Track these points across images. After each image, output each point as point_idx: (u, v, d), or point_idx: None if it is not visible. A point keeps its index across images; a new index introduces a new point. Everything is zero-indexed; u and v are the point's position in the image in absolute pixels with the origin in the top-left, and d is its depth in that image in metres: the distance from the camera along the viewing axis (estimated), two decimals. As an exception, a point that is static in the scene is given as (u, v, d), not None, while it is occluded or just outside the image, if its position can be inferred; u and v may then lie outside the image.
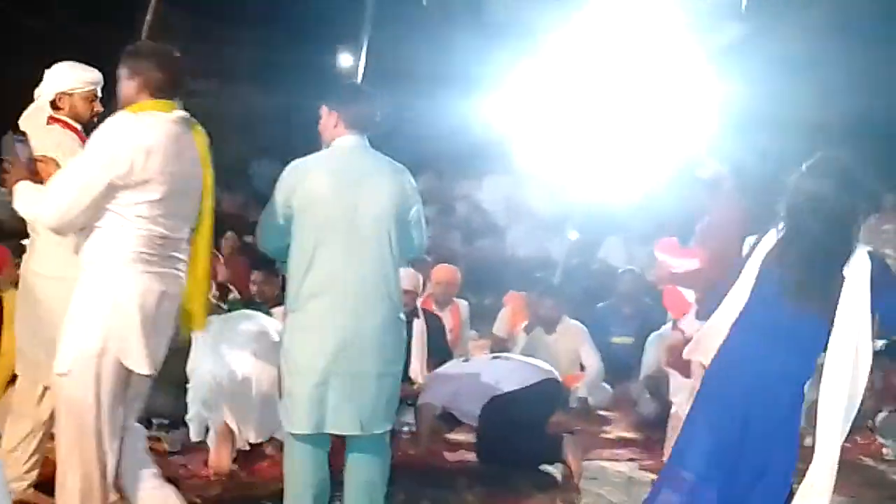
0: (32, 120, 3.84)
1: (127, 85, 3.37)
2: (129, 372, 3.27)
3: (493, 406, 5.21)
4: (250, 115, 12.46)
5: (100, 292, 3.23)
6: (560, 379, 5.67)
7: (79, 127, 3.85)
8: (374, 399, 3.58)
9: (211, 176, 3.42)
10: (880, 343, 6.89)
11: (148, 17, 5.95)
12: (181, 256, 3.37)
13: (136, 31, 6.97)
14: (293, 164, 3.67)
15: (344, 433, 3.58)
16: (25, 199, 3.34)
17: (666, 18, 8.49)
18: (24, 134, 3.76)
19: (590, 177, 8.96)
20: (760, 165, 5.77)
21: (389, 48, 8.83)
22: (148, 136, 3.21)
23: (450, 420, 5.54)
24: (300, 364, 3.54)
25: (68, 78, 3.89)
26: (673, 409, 5.41)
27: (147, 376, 3.35)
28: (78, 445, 3.24)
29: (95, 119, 3.83)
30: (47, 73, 3.94)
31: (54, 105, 3.86)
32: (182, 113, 3.37)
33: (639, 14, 8.73)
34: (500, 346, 6.88)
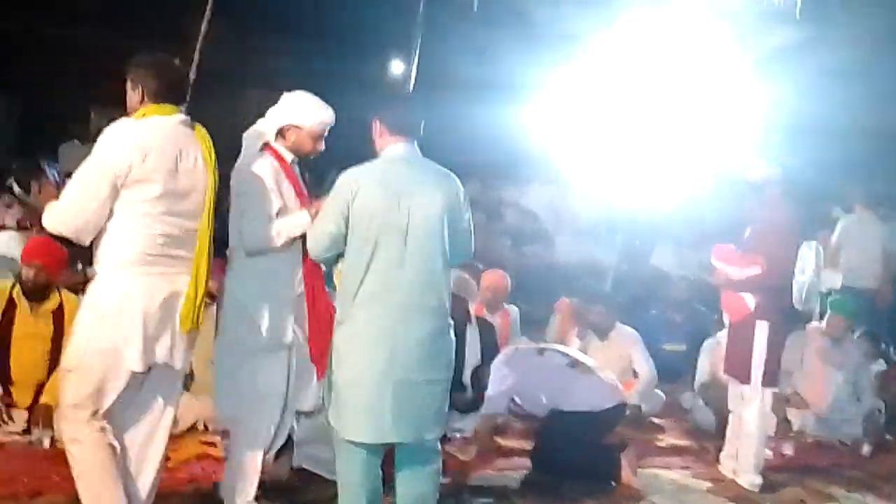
0: (250, 139, 4.00)
1: (131, 95, 3.56)
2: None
3: (559, 419, 5.19)
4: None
5: (106, 293, 3.42)
6: (627, 402, 5.64)
7: (290, 159, 3.98)
8: (426, 406, 3.60)
9: (214, 176, 3.54)
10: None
11: (203, 28, 6.03)
12: (189, 255, 3.50)
13: (189, 43, 7.08)
14: (347, 173, 3.70)
15: (400, 441, 3.59)
16: (48, 213, 3.47)
17: (717, 22, 8.42)
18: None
19: (637, 182, 8.90)
20: (810, 171, 5.71)
21: (439, 56, 8.86)
22: (146, 138, 3.40)
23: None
24: (355, 373, 3.57)
25: (304, 113, 3.97)
26: (732, 417, 5.37)
27: (166, 371, 3.53)
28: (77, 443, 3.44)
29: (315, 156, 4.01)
30: (285, 97, 4.02)
31: (281, 133, 3.97)
32: (183, 116, 3.54)
33: (687, 18, 8.68)
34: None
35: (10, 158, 8.96)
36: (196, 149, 3.51)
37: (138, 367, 3.44)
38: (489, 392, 5.44)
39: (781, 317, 5.14)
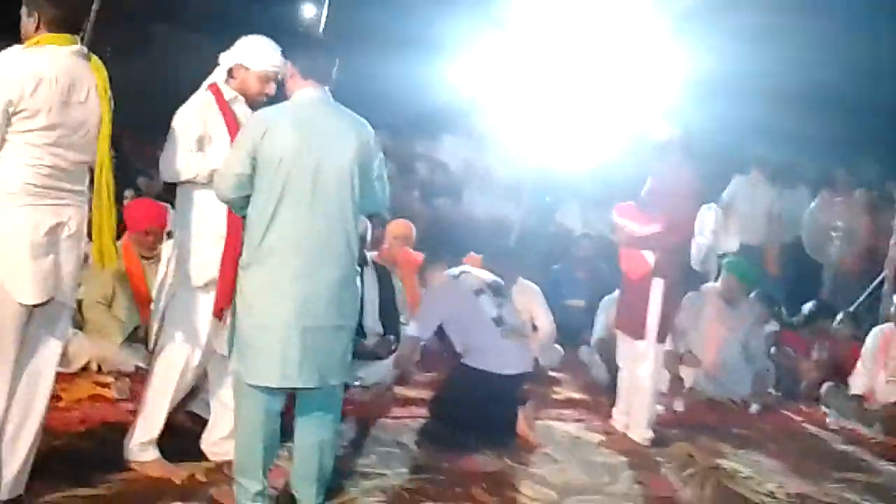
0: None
1: (25, 22, 3.44)
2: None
3: (465, 373, 5.22)
4: (206, 65, 12.27)
5: None
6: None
7: (231, 96, 4.00)
8: (332, 352, 3.59)
9: (109, 108, 3.46)
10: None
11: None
12: (78, 188, 3.43)
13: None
14: (256, 114, 3.67)
15: (305, 386, 3.57)
16: None
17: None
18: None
19: (548, 140, 8.97)
20: (717, 133, 5.84)
21: (351, 4, 8.72)
22: (39, 66, 3.28)
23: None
24: (262, 318, 3.53)
25: (251, 54, 4.00)
26: (621, 373, 5.50)
27: (52, 305, 3.41)
28: None
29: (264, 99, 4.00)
30: (240, 40, 4.06)
31: (230, 74, 4.01)
32: (78, 46, 3.42)
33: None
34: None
35: None
36: (91, 81, 3.40)
37: (29, 299, 3.33)
38: (420, 313, 5.50)
39: (679, 276, 5.26)
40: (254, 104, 4.02)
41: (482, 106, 9.80)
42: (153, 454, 3.98)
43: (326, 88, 3.68)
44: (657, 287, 5.12)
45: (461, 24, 9.42)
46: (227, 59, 4.05)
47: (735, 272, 6.72)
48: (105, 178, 3.44)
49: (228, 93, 4.02)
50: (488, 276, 5.57)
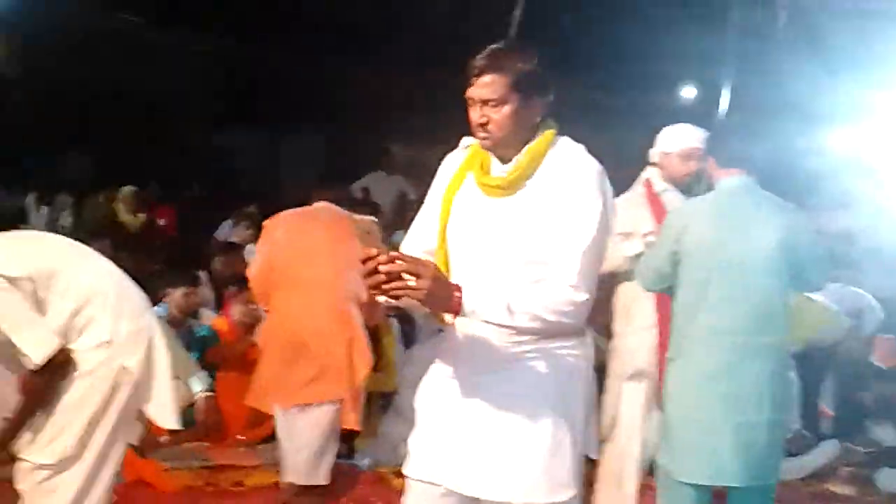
0: None
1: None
2: None
3: None
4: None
5: None
6: None
7: (660, 188, 4.10)
8: (765, 448, 3.43)
9: None
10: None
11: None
12: None
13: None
14: (677, 209, 3.76)
15: (736, 484, 3.44)
16: None
17: None
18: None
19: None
20: None
21: (742, 82, 8.54)
22: None
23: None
24: (691, 413, 3.49)
25: (668, 138, 4.13)
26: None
27: None
28: None
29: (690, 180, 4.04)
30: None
31: (658, 165, 4.15)
32: None
33: None
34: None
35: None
36: None
37: None
38: None
39: None
40: (682, 187, 4.05)
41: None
42: None
43: (748, 174, 3.59)
44: None
45: (846, 93, 8.89)
46: (652, 152, 4.16)
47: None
48: None
49: (659, 185, 4.10)
50: None
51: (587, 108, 13.11)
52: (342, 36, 11.13)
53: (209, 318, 5.89)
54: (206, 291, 6.24)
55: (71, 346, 3.04)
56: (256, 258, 4.79)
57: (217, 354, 5.49)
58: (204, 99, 13.40)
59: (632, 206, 4.02)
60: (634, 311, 4.03)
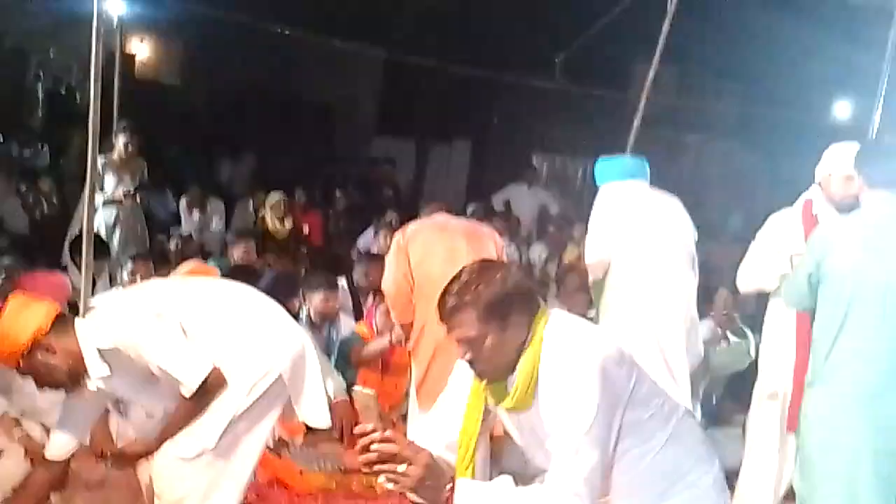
0: None
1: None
2: None
3: None
4: (730, 171, 12.37)
5: None
6: None
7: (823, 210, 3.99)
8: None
9: None
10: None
11: (650, 75, 6.02)
12: None
13: (633, 88, 7.11)
14: (820, 231, 3.60)
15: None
16: None
17: None
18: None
19: None
20: None
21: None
22: None
23: None
24: (829, 439, 3.35)
25: (829, 158, 4.03)
26: None
27: None
28: None
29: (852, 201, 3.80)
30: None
31: (821, 185, 4.06)
32: None
33: None
34: None
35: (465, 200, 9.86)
36: None
37: None
38: None
39: None
40: (842, 209, 3.88)
41: None
42: None
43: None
44: None
45: None
46: (817, 171, 4.06)
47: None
48: None
49: (818, 205, 4.01)
50: None
51: (743, 121, 12.86)
52: (499, 49, 11.27)
53: (348, 325, 5.95)
54: (345, 298, 6.30)
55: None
56: (391, 272, 4.56)
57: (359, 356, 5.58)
58: (366, 107, 13.79)
59: (786, 225, 4.01)
60: (779, 328, 4.04)
